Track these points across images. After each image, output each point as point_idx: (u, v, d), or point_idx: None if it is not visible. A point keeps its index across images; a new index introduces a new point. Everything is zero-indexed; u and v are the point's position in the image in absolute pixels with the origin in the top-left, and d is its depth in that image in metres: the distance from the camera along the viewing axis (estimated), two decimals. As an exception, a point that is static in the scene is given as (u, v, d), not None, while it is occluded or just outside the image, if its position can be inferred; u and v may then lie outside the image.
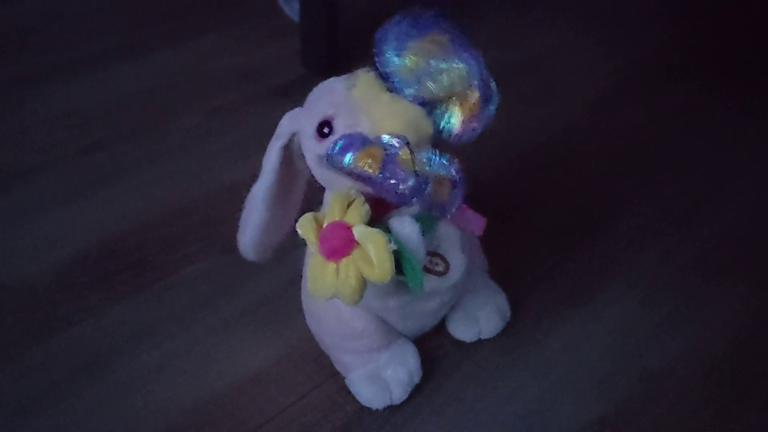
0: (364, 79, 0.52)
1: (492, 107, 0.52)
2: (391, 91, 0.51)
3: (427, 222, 0.54)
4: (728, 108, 1.00)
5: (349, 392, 0.61)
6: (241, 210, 0.61)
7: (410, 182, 0.47)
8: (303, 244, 0.53)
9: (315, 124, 0.53)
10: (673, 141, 0.94)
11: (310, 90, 0.56)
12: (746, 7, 1.24)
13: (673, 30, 1.18)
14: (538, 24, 1.17)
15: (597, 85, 1.04)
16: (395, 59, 0.51)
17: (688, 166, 0.89)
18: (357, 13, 1.13)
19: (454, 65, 0.51)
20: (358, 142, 0.48)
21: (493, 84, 0.52)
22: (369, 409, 0.60)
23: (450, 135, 0.52)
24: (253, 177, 0.59)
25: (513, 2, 1.22)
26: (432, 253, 0.56)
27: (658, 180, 0.87)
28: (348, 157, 0.48)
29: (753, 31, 1.18)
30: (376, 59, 0.51)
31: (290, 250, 0.63)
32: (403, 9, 0.52)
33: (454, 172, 0.50)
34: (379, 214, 0.52)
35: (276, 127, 0.58)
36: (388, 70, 0.51)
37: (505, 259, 0.70)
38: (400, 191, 0.47)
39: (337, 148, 0.48)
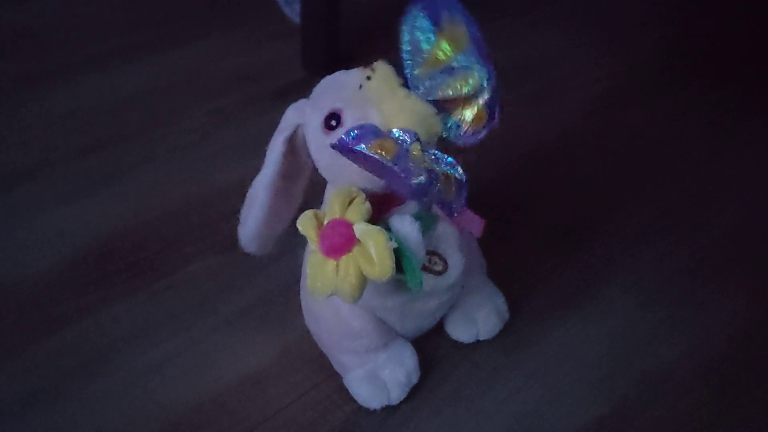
0: (381, 71, 0.51)
1: (497, 115, 0.52)
2: (406, 87, 0.51)
3: (426, 221, 0.54)
4: (727, 110, 1.00)
5: (347, 392, 0.61)
6: (241, 210, 0.61)
7: (422, 177, 0.47)
8: (303, 242, 0.53)
9: (322, 116, 0.52)
10: (672, 143, 0.94)
11: (311, 91, 0.56)
12: (745, 10, 1.24)
13: (673, 33, 1.19)
14: (537, 26, 1.17)
15: (596, 86, 1.04)
16: (413, 56, 0.51)
17: (687, 168, 0.90)
18: (358, 15, 1.14)
19: (471, 68, 0.51)
20: (371, 133, 0.48)
21: (497, 99, 0.53)
22: (367, 409, 0.60)
23: (456, 137, 0.52)
24: (254, 178, 0.59)
25: (513, 4, 1.22)
26: (431, 253, 0.56)
27: (657, 182, 0.87)
28: (362, 146, 0.48)
29: (751, 33, 1.19)
30: (401, 43, 0.51)
31: (289, 250, 0.63)
32: (415, 4, 0.52)
33: (460, 172, 0.50)
34: (380, 213, 0.52)
35: (276, 127, 0.58)
36: (405, 65, 0.51)
37: (504, 260, 0.70)
38: (412, 186, 0.47)
39: (350, 137, 0.48)
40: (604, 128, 0.96)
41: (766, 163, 0.91)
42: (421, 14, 0.51)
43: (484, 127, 0.52)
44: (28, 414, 0.59)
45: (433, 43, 0.51)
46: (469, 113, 0.52)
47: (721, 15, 1.24)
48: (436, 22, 0.51)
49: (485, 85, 0.51)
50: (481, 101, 0.51)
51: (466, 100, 0.51)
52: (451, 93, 0.50)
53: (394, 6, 0.54)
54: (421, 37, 0.51)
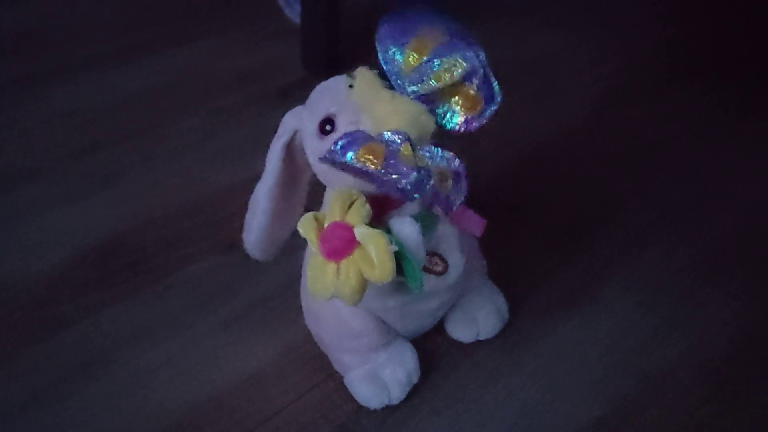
0: (362, 77, 0.52)
1: (496, 101, 0.52)
2: (391, 89, 0.51)
3: (426, 222, 0.54)
4: (727, 110, 1.00)
5: (347, 392, 0.61)
6: (241, 210, 0.61)
7: (412, 177, 0.47)
8: (303, 244, 0.53)
9: (317, 121, 0.53)
10: (672, 142, 0.94)
11: (311, 91, 0.57)
12: (745, 10, 1.24)
13: (672, 32, 1.19)
14: (538, 26, 1.17)
15: (596, 86, 1.04)
16: (395, 56, 0.51)
17: (688, 168, 0.90)
18: (358, 15, 1.14)
19: (454, 60, 0.51)
20: (360, 139, 0.48)
21: (494, 81, 0.52)
22: (367, 408, 0.60)
23: (452, 129, 0.52)
24: (254, 178, 0.59)
25: (513, 5, 1.22)
26: (431, 253, 0.56)
27: (657, 181, 0.87)
28: (350, 155, 0.48)
29: (751, 33, 1.19)
30: (377, 57, 0.52)
31: (289, 251, 0.63)
32: (399, 7, 0.52)
33: (456, 164, 0.50)
34: (379, 214, 0.52)
35: (276, 128, 0.58)
36: (387, 67, 0.51)
37: (504, 260, 0.70)
38: (402, 186, 0.47)
39: (338, 145, 0.48)
40: (604, 128, 0.96)
41: (766, 163, 0.91)
42: (395, 18, 0.52)
43: (481, 112, 0.52)
44: (28, 414, 0.59)
45: (411, 41, 0.51)
46: (459, 101, 0.52)
47: (721, 15, 1.24)
48: (410, 23, 0.52)
49: (475, 68, 0.50)
50: (471, 87, 0.51)
51: (456, 88, 0.51)
52: (436, 84, 0.50)
53: (394, 6, 0.54)
54: (399, 37, 0.51)
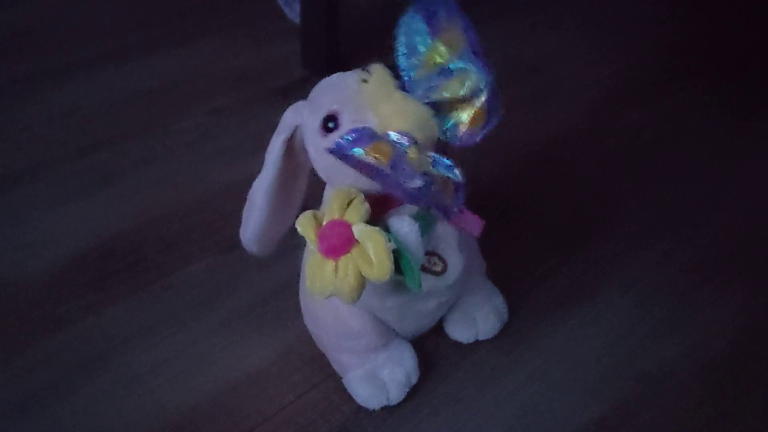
0: (377, 74, 0.51)
1: (496, 116, 0.52)
2: (402, 89, 0.51)
3: (425, 222, 0.54)
4: (727, 110, 1.01)
5: (346, 392, 0.61)
6: (240, 210, 0.61)
7: (418, 181, 0.47)
8: (303, 243, 0.53)
9: (320, 118, 0.52)
10: (671, 143, 0.94)
11: (310, 91, 0.56)
12: (745, 10, 1.24)
13: (672, 33, 1.19)
14: (538, 27, 1.18)
15: (596, 86, 1.04)
16: (410, 58, 0.51)
17: (687, 169, 0.90)
18: (357, 15, 1.14)
19: (467, 70, 0.51)
20: (367, 136, 0.48)
21: (498, 101, 0.52)
22: (366, 409, 0.60)
23: (454, 139, 0.52)
24: (254, 177, 0.59)
25: (513, 5, 1.22)
26: (430, 253, 0.56)
27: (656, 182, 0.87)
28: (357, 150, 0.48)
29: (751, 33, 1.19)
30: (396, 50, 0.51)
31: (288, 251, 0.63)
32: (411, 6, 0.52)
33: (458, 174, 0.50)
34: (378, 213, 0.52)
35: (276, 127, 0.58)
36: (401, 67, 0.51)
37: (503, 261, 0.70)
38: (409, 189, 0.47)
39: (347, 140, 0.48)
40: (603, 128, 0.96)
41: (766, 163, 0.91)
42: (417, 16, 0.51)
43: (482, 128, 0.52)
44: (28, 414, 0.59)
45: (429, 45, 0.51)
46: (466, 115, 0.51)
47: (721, 15, 1.24)
48: (431, 25, 0.51)
49: (482, 87, 0.51)
50: (479, 102, 0.51)
51: (464, 101, 0.51)
52: (447, 95, 0.50)
53: (394, 6, 0.54)
54: (417, 40, 0.51)
